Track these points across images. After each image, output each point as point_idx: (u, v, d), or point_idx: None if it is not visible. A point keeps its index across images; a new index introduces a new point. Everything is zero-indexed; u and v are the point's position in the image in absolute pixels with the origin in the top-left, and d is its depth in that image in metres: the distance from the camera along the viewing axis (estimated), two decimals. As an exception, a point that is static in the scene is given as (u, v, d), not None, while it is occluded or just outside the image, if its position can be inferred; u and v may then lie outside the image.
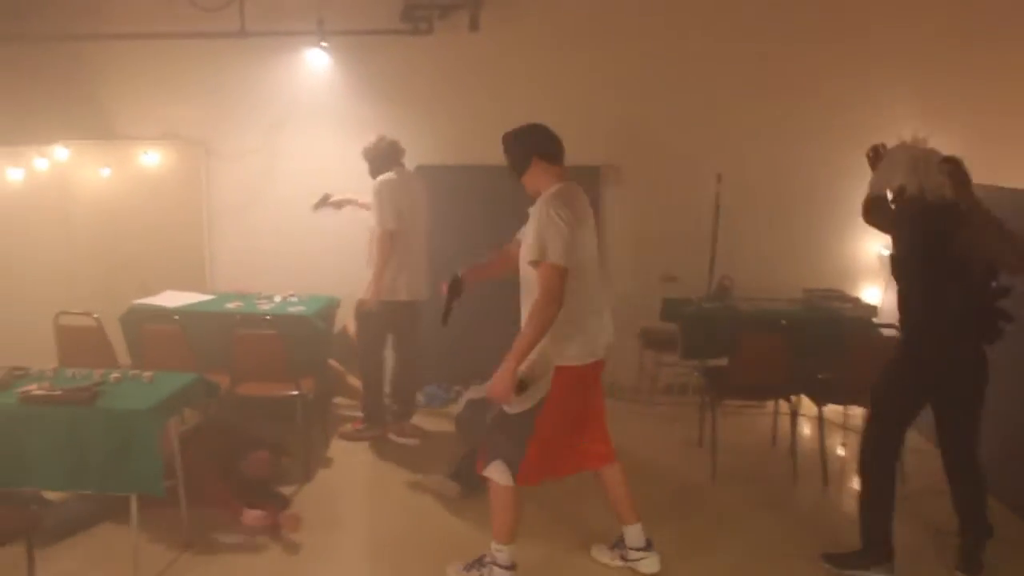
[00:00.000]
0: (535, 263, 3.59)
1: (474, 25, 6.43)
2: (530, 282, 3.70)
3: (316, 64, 6.74)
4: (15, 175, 5.99)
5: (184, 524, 4.42)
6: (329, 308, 5.94)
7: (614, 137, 6.73)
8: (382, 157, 5.66)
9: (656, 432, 6.10)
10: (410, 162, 5.92)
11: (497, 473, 3.80)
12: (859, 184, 4.40)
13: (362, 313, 5.72)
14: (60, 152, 6.59)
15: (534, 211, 3.72)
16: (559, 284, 3.54)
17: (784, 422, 5.67)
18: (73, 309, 5.44)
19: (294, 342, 5.22)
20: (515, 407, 3.72)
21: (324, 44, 6.58)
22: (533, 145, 3.84)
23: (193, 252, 6.96)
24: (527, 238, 3.69)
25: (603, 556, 4.29)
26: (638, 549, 4.17)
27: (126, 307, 5.83)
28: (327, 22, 6.41)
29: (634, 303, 6.70)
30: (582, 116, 6.67)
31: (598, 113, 6.69)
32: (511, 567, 3.91)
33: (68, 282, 6.61)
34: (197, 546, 4.39)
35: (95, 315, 5.34)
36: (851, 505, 4.60)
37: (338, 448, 5.77)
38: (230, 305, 5.82)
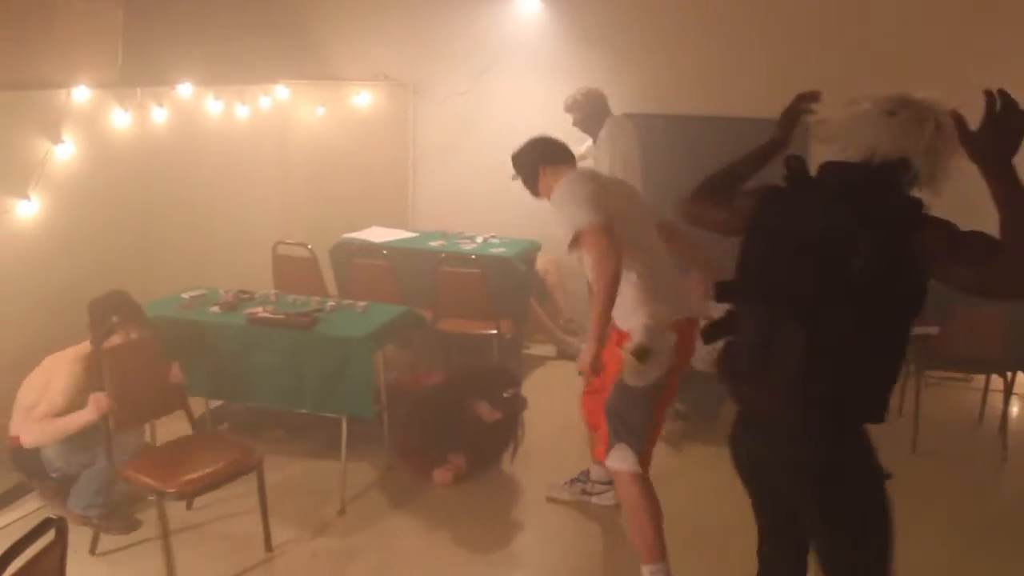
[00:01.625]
0: (574, 242, 3.34)
1: (684, -31, 6.32)
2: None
3: (526, 9, 6.78)
4: (242, 112, 6.36)
5: (386, 447, 4.67)
6: (530, 251, 6.04)
7: (824, 89, 6.43)
8: (598, 109, 5.73)
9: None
10: (616, 110, 5.88)
11: (620, 459, 3.43)
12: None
13: None
14: (281, 91, 6.94)
15: (554, 200, 3.57)
16: (605, 239, 3.26)
17: (994, 399, 5.38)
18: (288, 239, 5.77)
19: (495, 282, 5.36)
20: (641, 379, 3.34)
21: (535, -11, 6.63)
22: (537, 156, 3.81)
23: (398, 190, 7.21)
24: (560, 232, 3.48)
25: (562, 494, 4.31)
26: (602, 483, 4.21)
27: (334, 240, 6.13)
28: (538, -33, 6.44)
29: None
30: (791, 67, 6.40)
31: (810, 65, 6.38)
32: None
33: (283, 214, 7.00)
34: (398, 468, 4.63)
35: (309, 246, 5.64)
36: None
37: (530, 388, 5.88)
38: (433, 243, 6.02)
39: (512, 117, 6.76)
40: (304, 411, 4.34)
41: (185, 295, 4.68)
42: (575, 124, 5.72)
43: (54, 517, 2.29)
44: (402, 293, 5.37)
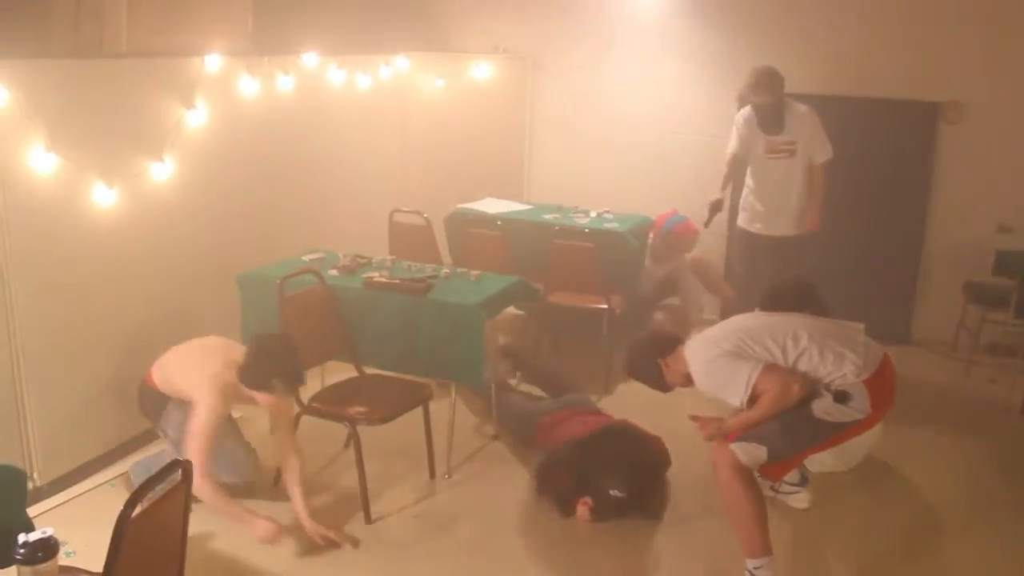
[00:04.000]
0: (752, 400, 3.35)
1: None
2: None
3: (648, -17, 6.70)
4: (364, 82, 6.48)
5: (494, 419, 4.74)
6: (643, 227, 5.99)
7: (961, 71, 6.14)
8: (782, 92, 5.36)
9: (970, 391, 5.68)
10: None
11: (745, 452, 3.36)
12: None
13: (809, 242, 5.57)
14: (402, 62, 7.05)
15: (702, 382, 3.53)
16: (777, 375, 3.30)
17: None
18: (404, 208, 5.87)
19: (607, 257, 5.34)
20: (826, 416, 3.35)
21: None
22: (652, 353, 3.72)
23: (513, 162, 7.25)
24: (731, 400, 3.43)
25: None
26: (792, 484, 4.05)
27: (449, 210, 6.22)
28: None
29: (961, 253, 6.24)
30: (925, 45, 6.18)
31: (944, 43, 6.14)
32: None
33: (401, 182, 7.13)
34: (504, 439, 4.70)
35: (425, 215, 5.73)
36: None
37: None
38: (547, 216, 6.04)
39: (631, 92, 6.74)
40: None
41: (305, 257, 4.82)
42: (762, 104, 5.34)
43: (181, 459, 2.42)
44: (514, 264, 5.41)
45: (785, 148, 5.40)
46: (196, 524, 3.77)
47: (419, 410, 4.17)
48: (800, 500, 4.08)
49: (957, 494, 4.35)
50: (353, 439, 3.95)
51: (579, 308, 5.44)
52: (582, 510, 3.97)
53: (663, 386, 3.75)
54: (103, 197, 4.23)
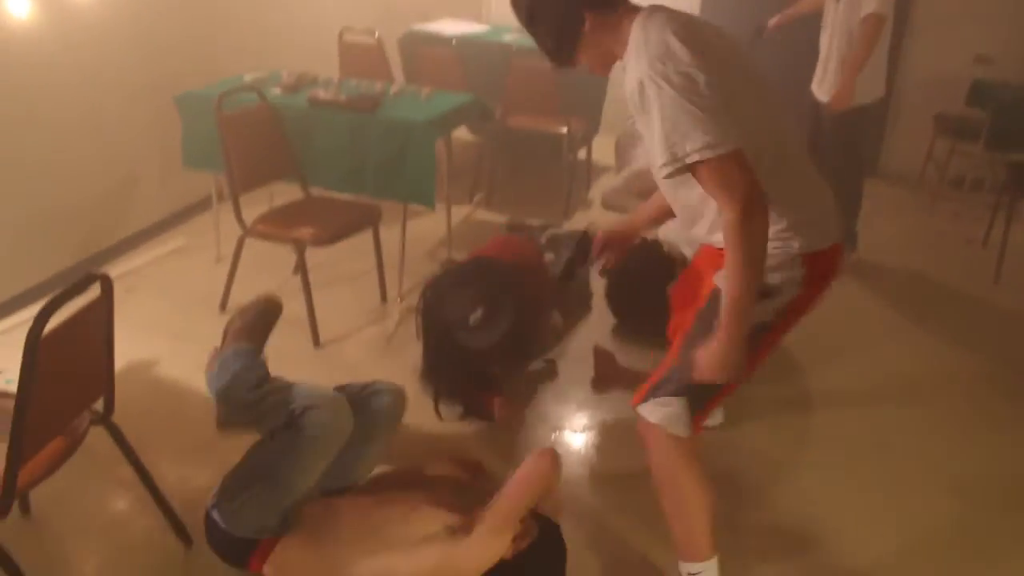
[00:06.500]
0: (681, 170, 1.91)
1: None
2: (685, 197, 2.20)
3: None
4: None
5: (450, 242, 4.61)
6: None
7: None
8: None
9: (935, 224, 5.60)
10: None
11: (662, 414, 2.21)
12: None
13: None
14: None
15: (632, 91, 1.99)
16: (738, 174, 1.87)
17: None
18: (355, 26, 5.53)
19: (570, 81, 5.08)
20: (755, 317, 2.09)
21: None
22: None
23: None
24: (649, 139, 2.03)
25: None
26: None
27: (403, 30, 5.88)
28: None
29: (934, 84, 6.05)
30: None
31: None
32: None
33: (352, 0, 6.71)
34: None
35: (376, 34, 5.40)
36: None
37: (598, 191, 5.74)
38: (507, 37, 5.73)
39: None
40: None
41: (247, 76, 4.53)
42: None
43: (98, 273, 2.24)
44: (470, 85, 5.15)
45: None
46: (139, 350, 3.67)
47: (369, 235, 4.01)
48: (714, 416, 3.20)
49: (917, 336, 4.31)
50: (299, 261, 3.79)
51: (538, 132, 5.22)
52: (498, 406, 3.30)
53: (566, 47, 2.12)
54: (18, 4, 3.86)
